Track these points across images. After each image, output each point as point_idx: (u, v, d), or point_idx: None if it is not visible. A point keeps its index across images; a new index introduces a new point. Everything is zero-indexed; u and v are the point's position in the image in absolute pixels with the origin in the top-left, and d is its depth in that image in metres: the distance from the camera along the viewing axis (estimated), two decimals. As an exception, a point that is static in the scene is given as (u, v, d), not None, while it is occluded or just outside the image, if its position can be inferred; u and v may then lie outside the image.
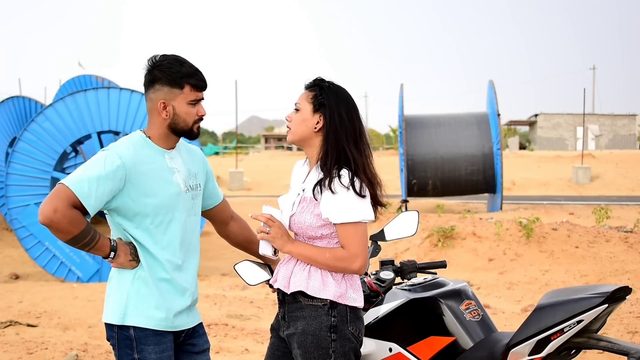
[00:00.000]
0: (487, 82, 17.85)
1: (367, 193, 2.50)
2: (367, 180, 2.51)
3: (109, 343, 2.69)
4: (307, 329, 2.49)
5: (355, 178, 2.48)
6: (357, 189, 2.47)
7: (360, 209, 2.46)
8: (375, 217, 2.59)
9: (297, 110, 2.59)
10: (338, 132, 2.52)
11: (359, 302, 2.54)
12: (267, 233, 2.55)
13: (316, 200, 2.50)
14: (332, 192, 2.46)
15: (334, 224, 2.49)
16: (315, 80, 2.61)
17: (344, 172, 2.48)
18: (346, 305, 2.51)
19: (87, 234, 2.44)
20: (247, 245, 2.95)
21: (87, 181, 2.41)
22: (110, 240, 2.53)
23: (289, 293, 2.54)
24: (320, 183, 2.49)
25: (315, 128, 2.55)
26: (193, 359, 2.73)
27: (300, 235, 2.56)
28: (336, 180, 2.47)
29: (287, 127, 2.63)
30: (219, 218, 2.91)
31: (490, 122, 17.05)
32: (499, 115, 16.76)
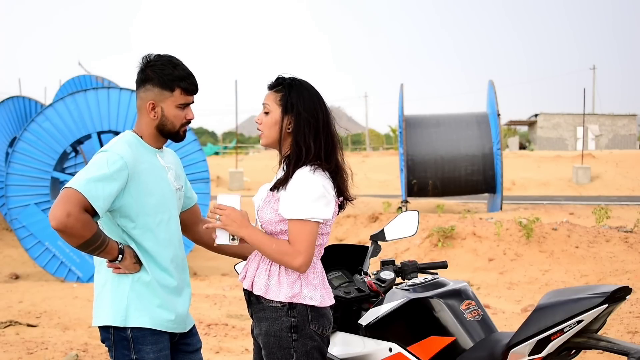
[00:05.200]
0: (487, 82, 17.84)
1: (327, 191, 2.49)
2: (330, 173, 2.53)
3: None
4: (270, 330, 2.51)
5: (315, 174, 2.48)
6: (312, 186, 2.46)
7: (311, 207, 2.45)
8: (343, 207, 2.61)
9: (266, 113, 2.58)
10: (306, 129, 2.53)
11: (316, 301, 2.53)
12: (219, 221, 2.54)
13: (276, 195, 2.53)
14: (289, 187, 2.48)
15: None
16: (278, 79, 2.60)
17: (304, 169, 2.49)
18: (305, 304, 2.51)
19: (99, 237, 2.43)
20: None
21: (93, 183, 2.39)
22: (117, 243, 2.52)
23: (254, 293, 2.55)
24: (286, 174, 2.52)
25: (289, 129, 2.56)
26: (188, 358, 2.74)
27: (266, 231, 2.58)
28: (295, 175, 2.49)
29: (259, 129, 2.63)
30: (191, 220, 2.90)
31: (490, 122, 17.05)
32: (499, 115, 16.76)
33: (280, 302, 2.50)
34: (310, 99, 2.56)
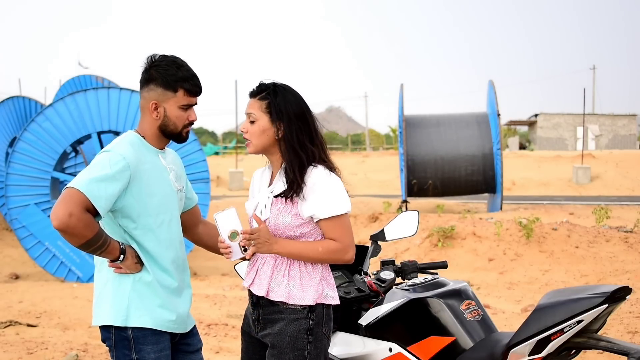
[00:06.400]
0: (487, 82, 17.85)
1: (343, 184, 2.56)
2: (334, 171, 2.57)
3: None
4: (285, 330, 2.51)
5: (329, 172, 2.53)
6: (336, 182, 2.53)
7: (344, 201, 2.52)
8: None
9: (252, 121, 2.57)
10: (298, 134, 2.55)
11: (335, 300, 2.59)
12: (250, 241, 2.51)
13: (292, 201, 2.52)
14: (315, 189, 2.49)
15: (319, 220, 2.51)
16: (261, 86, 2.60)
17: (319, 169, 2.52)
18: (323, 306, 2.54)
19: (100, 237, 2.43)
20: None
21: (95, 183, 2.39)
22: (119, 242, 2.52)
23: (272, 299, 2.54)
24: (296, 182, 2.51)
25: (278, 136, 2.56)
26: (188, 358, 2.74)
27: (283, 236, 2.56)
28: (313, 177, 2.50)
29: (245, 138, 2.62)
30: (191, 221, 2.89)
31: (490, 122, 17.05)
32: (499, 115, 16.76)
33: (301, 305, 2.51)
34: (296, 103, 2.58)
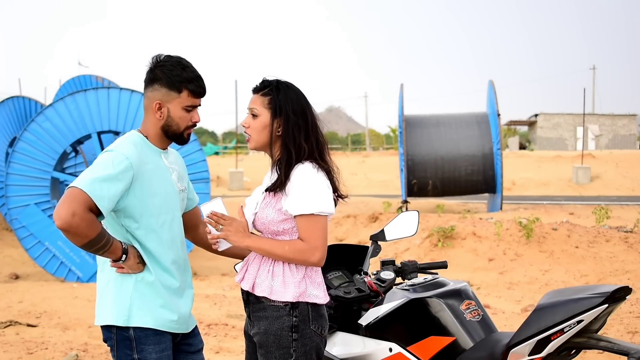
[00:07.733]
0: (487, 82, 17.85)
1: (328, 185, 2.54)
2: (324, 171, 2.56)
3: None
4: (269, 329, 2.52)
5: (316, 170, 2.52)
6: (317, 181, 2.51)
7: (319, 201, 2.49)
8: (335, 205, 2.62)
9: (254, 116, 2.59)
10: (294, 131, 2.56)
11: (320, 299, 2.57)
12: (220, 231, 2.56)
13: (277, 195, 2.54)
14: (294, 184, 2.50)
15: (294, 217, 2.52)
16: (264, 82, 2.62)
17: (306, 166, 2.52)
18: (307, 304, 2.53)
19: (103, 237, 2.43)
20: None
21: (98, 183, 2.40)
22: (121, 242, 2.52)
23: (256, 294, 2.56)
24: (280, 178, 2.53)
25: (278, 132, 2.57)
26: (189, 358, 2.74)
27: (264, 231, 2.59)
28: (297, 172, 2.51)
29: (247, 133, 2.63)
30: (192, 222, 2.89)
31: (490, 122, 17.05)
32: (499, 115, 16.76)
33: (283, 302, 2.51)
34: (297, 100, 2.59)
